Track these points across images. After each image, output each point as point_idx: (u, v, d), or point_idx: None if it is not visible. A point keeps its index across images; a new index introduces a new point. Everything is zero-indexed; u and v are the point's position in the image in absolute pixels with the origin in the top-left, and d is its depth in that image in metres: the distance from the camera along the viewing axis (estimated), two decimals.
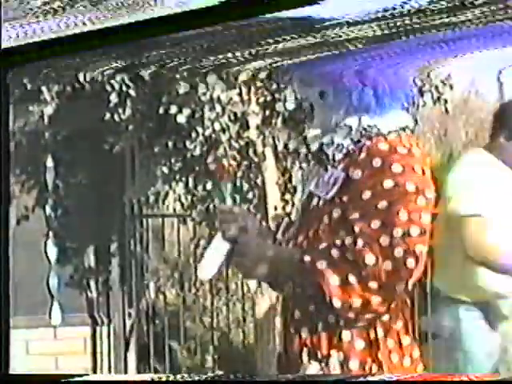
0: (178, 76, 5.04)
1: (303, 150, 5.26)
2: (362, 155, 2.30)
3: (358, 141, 2.35)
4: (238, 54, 4.52)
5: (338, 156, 2.37)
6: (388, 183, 2.22)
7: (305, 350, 2.33)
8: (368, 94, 2.35)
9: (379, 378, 2.24)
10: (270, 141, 5.18)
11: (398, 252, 2.17)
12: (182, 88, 5.03)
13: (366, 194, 2.23)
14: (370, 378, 2.24)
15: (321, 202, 2.37)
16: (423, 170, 2.28)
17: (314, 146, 2.44)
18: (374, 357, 2.26)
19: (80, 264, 6.43)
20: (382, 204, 2.21)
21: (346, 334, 2.26)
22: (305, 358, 2.33)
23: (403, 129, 2.36)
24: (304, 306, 2.34)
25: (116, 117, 5.37)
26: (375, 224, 2.19)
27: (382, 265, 2.16)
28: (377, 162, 2.26)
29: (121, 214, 6.39)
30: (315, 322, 2.30)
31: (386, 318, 2.26)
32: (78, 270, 6.43)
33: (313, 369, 2.29)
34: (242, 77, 5.01)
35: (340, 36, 2.40)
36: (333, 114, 2.38)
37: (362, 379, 2.24)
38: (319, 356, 2.29)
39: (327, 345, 2.29)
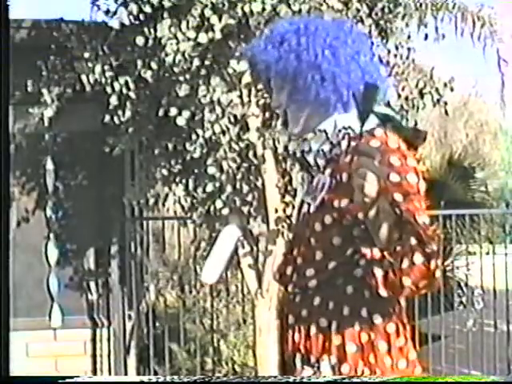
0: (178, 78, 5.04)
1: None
2: (349, 157, 2.25)
3: (338, 143, 2.32)
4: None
5: (321, 162, 2.35)
6: (394, 177, 2.17)
7: (298, 355, 2.33)
8: (333, 94, 2.31)
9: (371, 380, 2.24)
10: (270, 143, 5.17)
11: (433, 264, 2.10)
12: (182, 90, 5.03)
13: (362, 183, 2.11)
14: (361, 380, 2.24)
15: (311, 209, 2.35)
16: (415, 168, 2.25)
17: (297, 153, 2.43)
18: (366, 360, 2.25)
19: (80, 266, 6.44)
20: (398, 196, 2.15)
21: (337, 338, 2.26)
22: (298, 363, 2.33)
23: (379, 125, 2.32)
24: (297, 311, 2.34)
25: (116, 119, 5.37)
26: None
27: (420, 283, 2.11)
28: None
29: (121, 216, 6.39)
30: (308, 327, 2.30)
31: (378, 320, 2.26)
32: (78, 272, 6.44)
33: (306, 374, 2.29)
34: (244, 79, 5.01)
35: None
36: (305, 118, 2.36)
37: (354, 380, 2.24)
38: (312, 361, 2.29)
39: (319, 349, 2.28)
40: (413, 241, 2.08)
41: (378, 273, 2.12)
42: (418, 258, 2.07)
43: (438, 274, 2.12)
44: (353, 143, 2.29)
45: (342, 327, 2.25)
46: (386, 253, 2.10)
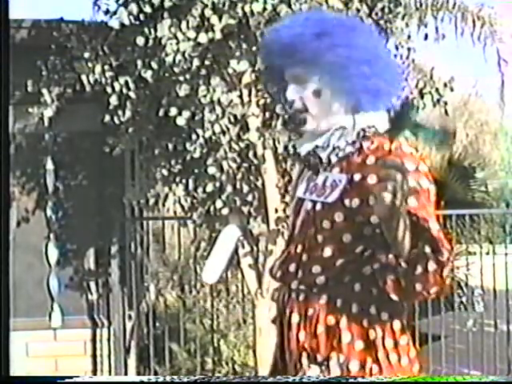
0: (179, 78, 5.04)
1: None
2: (370, 157, 2.25)
3: (353, 142, 2.30)
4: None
5: (334, 158, 2.33)
6: (410, 182, 2.14)
7: (304, 354, 2.32)
8: (364, 93, 2.29)
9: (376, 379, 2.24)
10: (270, 143, 5.17)
11: (445, 272, 2.12)
12: (182, 90, 5.02)
13: (387, 196, 2.10)
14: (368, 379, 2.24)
15: (318, 207, 2.33)
16: (426, 172, 2.26)
17: (305, 150, 2.39)
18: (374, 357, 2.26)
19: (80, 266, 6.44)
20: (412, 201, 2.15)
21: (345, 335, 2.26)
22: (304, 361, 2.32)
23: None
24: (302, 309, 2.33)
25: (116, 119, 5.37)
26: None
27: (431, 290, 2.13)
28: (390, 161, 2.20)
29: (121, 216, 6.39)
30: (315, 325, 2.30)
31: (385, 318, 2.27)
32: (79, 272, 6.44)
33: (312, 372, 2.28)
34: (244, 79, 5.02)
35: None
36: (328, 114, 2.32)
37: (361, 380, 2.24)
38: (319, 359, 2.28)
39: (327, 347, 2.28)
40: (427, 248, 2.10)
41: (391, 278, 2.14)
42: (432, 266, 2.09)
43: (448, 280, 2.14)
44: (372, 145, 2.28)
45: (350, 324, 2.25)
46: (400, 259, 2.10)
